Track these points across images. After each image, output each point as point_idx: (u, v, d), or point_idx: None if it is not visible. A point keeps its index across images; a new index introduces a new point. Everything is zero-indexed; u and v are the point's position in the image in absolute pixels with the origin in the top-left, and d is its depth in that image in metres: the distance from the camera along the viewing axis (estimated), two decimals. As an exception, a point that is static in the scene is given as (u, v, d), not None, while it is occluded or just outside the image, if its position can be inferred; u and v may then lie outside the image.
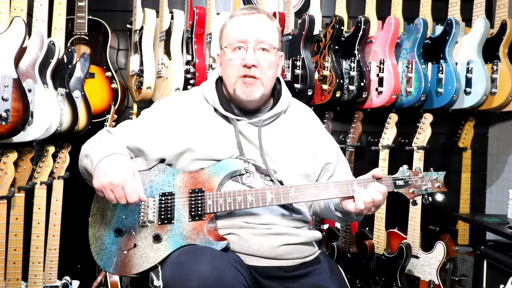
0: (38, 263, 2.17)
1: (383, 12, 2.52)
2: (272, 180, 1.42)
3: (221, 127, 1.47)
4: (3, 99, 1.81)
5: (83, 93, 2.28)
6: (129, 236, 1.40)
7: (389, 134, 2.50)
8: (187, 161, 1.43)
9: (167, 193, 1.41)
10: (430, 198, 1.39)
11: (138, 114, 2.42)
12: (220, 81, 1.54)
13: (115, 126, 1.89)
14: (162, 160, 1.47)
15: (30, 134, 1.94)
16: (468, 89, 2.35)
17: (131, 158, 1.45)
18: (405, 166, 1.39)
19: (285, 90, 1.56)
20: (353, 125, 2.55)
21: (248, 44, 1.42)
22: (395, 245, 2.49)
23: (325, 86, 2.41)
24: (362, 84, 2.39)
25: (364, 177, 1.37)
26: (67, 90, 2.17)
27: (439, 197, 1.37)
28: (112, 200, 1.27)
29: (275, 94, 1.55)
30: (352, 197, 1.33)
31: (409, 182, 1.36)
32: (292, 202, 1.38)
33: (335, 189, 1.34)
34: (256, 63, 1.41)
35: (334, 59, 2.40)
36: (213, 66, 2.49)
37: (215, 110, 1.49)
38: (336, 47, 2.43)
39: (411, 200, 1.38)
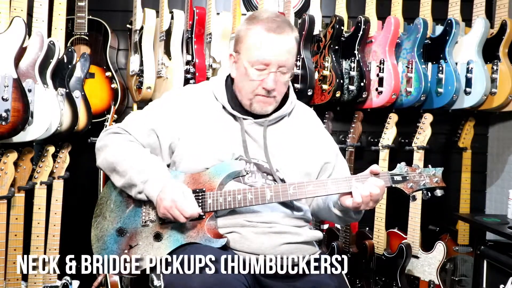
0: (38, 263, 2.17)
1: (383, 12, 2.52)
2: (274, 179, 1.43)
3: (227, 125, 1.48)
4: (3, 99, 1.81)
5: (83, 93, 2.28)
6: (130, 236, 1.40)
7: (389, 134, 2.51)
8: (192, 157, 1.44)
9: (168, 193, 1.41)
10: (429, 194, 1.39)
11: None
12: (230, 79, 1.55)
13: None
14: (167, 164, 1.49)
15: (30, 134, 1.94)
16: (468, 89, 2.35)
17: None
18: (403, 163, 1.40)
19: (292, 93, 1.57)
20: (353, 125, 2.55)
21: (271, 68, 1.40)
22: (395, 245, 2.49)
23: (325, 86, 2.41)
24: (362, 84, 2.39)
25: (362, 174, 1.37)
26: (67, 90, 2.17)
27: (438, 193, 1.37)
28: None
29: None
30: (351, 193, 1.33)
31: (407, 178, 1.37)
32: (291, 199, 1.39)
33: (333, 186, 1.35)
34: (275, 86, 1.42)
35: (334, 59, 2.40)
36: (213, 66, 2.49)
37: (223, 107, 1.50)
38: (336, 47, 2.43)
39: (410, 195, 1.39)
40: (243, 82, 1.45)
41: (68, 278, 2.30)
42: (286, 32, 1.40)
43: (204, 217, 1.36)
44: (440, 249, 2.44)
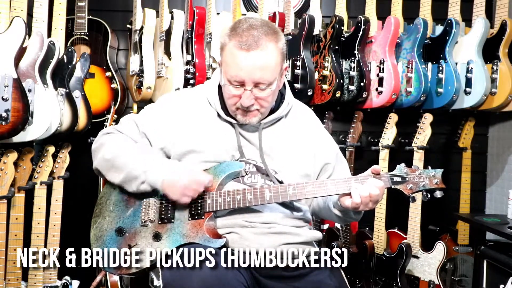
0: (38, 263, 2.18)
1: (383, 12, 2.52)
2: (272, 181, 1.43)
3: (223, 129, 1.48)
4: (3, 99, 1.81)
5: (83, 93, 2.28)
6: (129, 236, 1.40)
7: (389, 134, 2.50)
8: (190, 162, 1.44)
9: (168, 193, 1.41)
10: (428, 195, 1.39)
11: (138, 114, 2.43)
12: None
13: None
14: None
15: (30, 134, 1.94)
16: (468, 89, 2.35)
17: None
18: (403, 164, 1.40)
19: (288, 93, 1.56)
20: (353, 125, 2.55)
21: (247, 86, 1.36)
22: (395, 245, 2.48)
23: (325, 86, 2.41)
24: (362, 84, 2.39)
25: (362, 175, 1.37)
26: (67, 90, 2.17)
27: (438, 194, 1.38)
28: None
29: (278, 97, 1.55)
30: (350, 193, 1.33)
31: (407, 179, 1.37)
32: (290, 200, 1.39)
33: (333, 186, 1.35)
34: (252, 102, 1.39)
35: (334, 59, 2.40)
36: (213, 66, 2.50)
37: (218, 113, 1.49)
38: (336, 47, 2.43)
39: (410, 197, 1.39)
40: (225, 94, 1.44)
41: (68, 278, 2.30)
42: (262, 46, 1.33)
43: (203, 217, 1.36)
44: (440, 249, 2.44)
